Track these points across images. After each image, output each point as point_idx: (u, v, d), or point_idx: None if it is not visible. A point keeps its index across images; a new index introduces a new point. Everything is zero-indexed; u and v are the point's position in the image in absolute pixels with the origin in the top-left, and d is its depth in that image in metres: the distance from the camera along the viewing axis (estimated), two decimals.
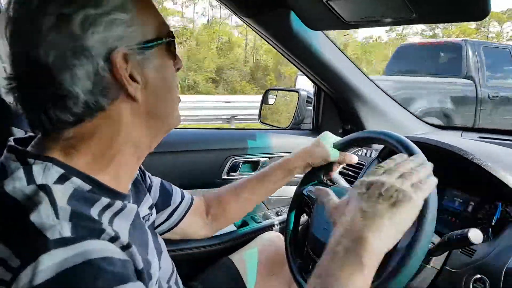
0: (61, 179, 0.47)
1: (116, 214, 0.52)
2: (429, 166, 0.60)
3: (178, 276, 0.75)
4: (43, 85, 0.46)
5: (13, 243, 0.41)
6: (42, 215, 0.41)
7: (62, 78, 0.45)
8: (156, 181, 0.83)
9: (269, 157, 1.43)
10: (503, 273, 0.71)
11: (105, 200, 0.51)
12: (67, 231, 0.41)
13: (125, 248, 0.46)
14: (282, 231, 1.39)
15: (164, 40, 0.54)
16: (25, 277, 0.38)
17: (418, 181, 0.56)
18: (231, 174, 1.36)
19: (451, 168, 0.98)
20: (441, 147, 0.97)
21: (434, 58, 5.27)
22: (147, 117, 0.55)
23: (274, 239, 1.16)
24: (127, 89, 0.50)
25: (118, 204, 0.53)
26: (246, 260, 1.06)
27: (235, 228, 1.36)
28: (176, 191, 0.87)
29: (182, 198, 0.87)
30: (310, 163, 0.94)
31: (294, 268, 0.91)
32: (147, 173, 0.79)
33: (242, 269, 1.03)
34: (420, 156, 0.64)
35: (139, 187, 0.70)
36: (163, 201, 0.81)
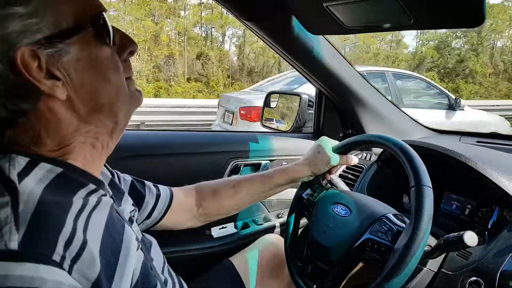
0: (30, 165, 0.45)
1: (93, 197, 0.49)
2: None
3: (169, 267, 0.75)
4: None
5: None
6: (1, 217, 0.39)
7: None
8: (126, 179, 0.79)
9: (270, 160, 1.45)
10: (498, 275, 0.72)
11: (79, 181, 0.49)
12: (14, 244, 0.37)
13: (73, 262, 0.40)
14: (282, 233, 1.40)
15: (86, 27, 0.48)
16: None
17: None
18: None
19: (449, 172, 0.99)
20: (439, 151, 0.98)
21: None
22: (90, 112, 0.50)
23: (275, 241, 1.17)
24: (41, 88, 0.45)
25: (91, 186, 0.51)
26: (247, 262, 1.06)
27: (236, 230, 1.37)
28: (150, 190, 0.83)
29: (158, 197, 0.83)
30: (315, 173, 0.95)
31: (294, 271, 0.92)
32: (115, 172, 0.75)
33: (242, 271, 1.03)
34: None
35: (116, 187, 0.67)
36: (135, 202, 0.75)
